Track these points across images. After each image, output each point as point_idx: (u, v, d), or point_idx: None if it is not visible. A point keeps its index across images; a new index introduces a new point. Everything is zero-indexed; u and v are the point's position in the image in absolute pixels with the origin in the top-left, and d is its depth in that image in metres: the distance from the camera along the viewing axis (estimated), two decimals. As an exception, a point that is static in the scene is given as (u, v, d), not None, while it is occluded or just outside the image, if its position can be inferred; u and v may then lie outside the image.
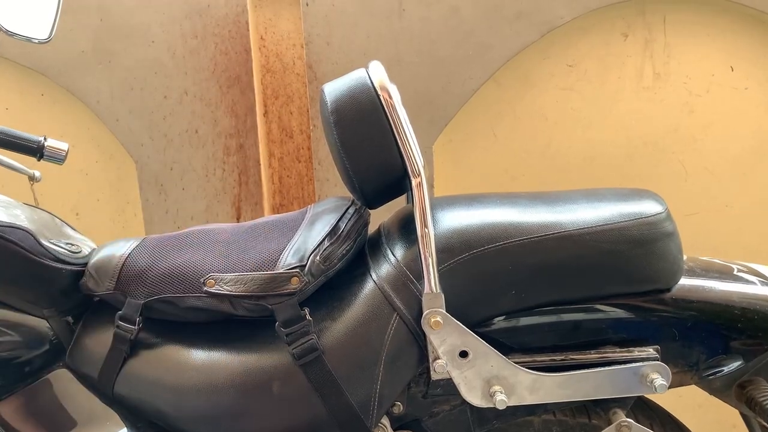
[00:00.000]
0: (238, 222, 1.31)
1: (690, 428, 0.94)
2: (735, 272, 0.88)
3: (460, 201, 0.85)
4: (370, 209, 0.87)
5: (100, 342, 0.81)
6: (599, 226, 0.78)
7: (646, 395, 0.84)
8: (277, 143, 1.55)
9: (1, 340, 0.79)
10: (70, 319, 0.83)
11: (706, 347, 0.82)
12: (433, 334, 0.76)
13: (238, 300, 0.75)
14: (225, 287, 0.75)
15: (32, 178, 1.04)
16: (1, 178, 1.06)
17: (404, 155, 0.77)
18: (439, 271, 0.75)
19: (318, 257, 0.77)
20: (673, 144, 1.59)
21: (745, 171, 1.61)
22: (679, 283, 0.82)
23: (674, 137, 1.58)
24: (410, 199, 0.85)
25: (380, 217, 0.95)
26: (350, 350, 0.76)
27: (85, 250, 0.86)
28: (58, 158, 1.01)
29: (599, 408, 0.83)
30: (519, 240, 0.77)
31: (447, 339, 0.76)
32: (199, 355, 0.78)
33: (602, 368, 0.78)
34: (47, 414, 0.81)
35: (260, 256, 0.78)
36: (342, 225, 0.82)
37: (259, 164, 1.53)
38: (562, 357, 0.79)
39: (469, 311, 0.78)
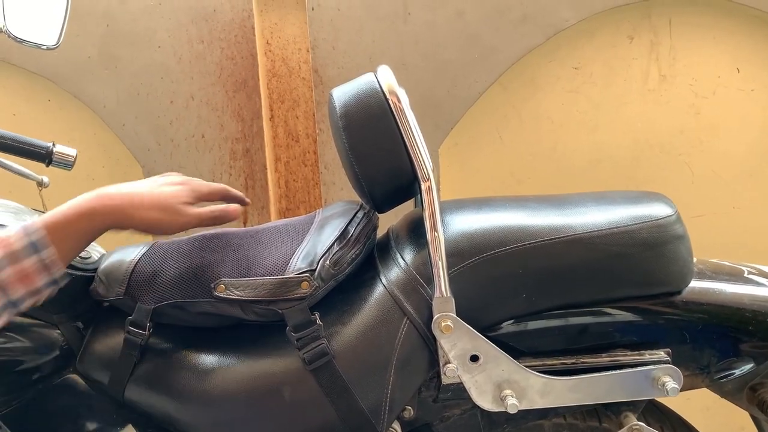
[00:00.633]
0: (245, 226, 1.31)
1: (699, 431, 0.93)
2: (745, 274, 0.87)
3: (468, 204, 0.85)
4: (380, 213, 0.87)
5: (110, 347, 0.81)
6: (609, 229, 0.78)
7: (656, 398, 0.84)
8: (283, 147, 1.56)
9: (12, 346, 0.79)
10: (80, 324, 0.83)
11: (717, 350, 0.82)
12: (443, 338, 0.75)
13: (248, 305, 0.75)
14: (235, 292, 0.75)
15: (41, 184, 1.05)
16: (9, 183, 1.07)
17: (413, 159, 0.77)
18: (449, 275, 0.75)
19: (328, 261, 0.77)
20: (679, 146, 1.59)
21: (752, 172, 1.60)
22: (689, 285, 0.82)
23: (680, 139, 1.58)
24: (419, 203, 0.85)
25: (388, 220, 0.95)
26: (361, 355, 0.75)
27: (95, 256, 0.86)
28: (67, 164, 1.01)
29: (610, 411, 0.83)
30: (529, 243, 0.77)
31: (457, 343, 0.76)
32: (210, 360, 0.78)
33: (613, 371, 0.78)
34: (58, 420, 0.81)
35: (270, 261, 0.78)
36: (351, 229, 0.82)
37: (266, 168, 1.53)
38: (573, 360, 0.79)
39: (479, 315, 0.77)
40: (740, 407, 0.86)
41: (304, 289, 0.74)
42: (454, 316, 0.75)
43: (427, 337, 0.76)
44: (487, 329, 0.78)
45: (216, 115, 1.51)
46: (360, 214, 0.85)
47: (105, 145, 1.54)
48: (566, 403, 0.78)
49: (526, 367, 0.77)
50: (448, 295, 0.75)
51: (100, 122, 1.51)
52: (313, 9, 1.45)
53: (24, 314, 0.80)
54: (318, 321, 0.75)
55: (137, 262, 0.81)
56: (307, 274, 0.75)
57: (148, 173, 1.52)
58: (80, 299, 0.82)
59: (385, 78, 0.80)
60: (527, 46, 1.49)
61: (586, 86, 1.55)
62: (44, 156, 0.99)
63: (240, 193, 0.87)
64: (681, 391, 0.79)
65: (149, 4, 1.45)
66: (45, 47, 1.01)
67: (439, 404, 0.82)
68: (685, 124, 1.57)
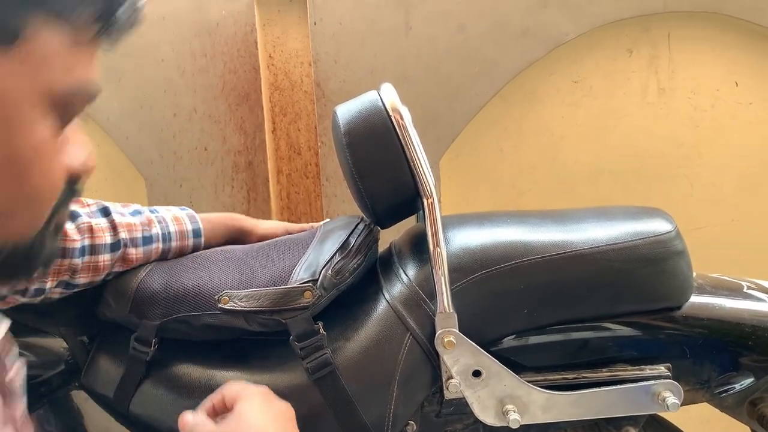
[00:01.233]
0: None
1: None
2: (745, 289, 0.88)
3: (470, 220, 0.86)
4: (382, 228, 0.88)
5: (115, 362, 0.81)
6: (610, 245, 0.79)
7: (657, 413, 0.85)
8: (285, 160, 1.57)
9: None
10: (85, 339, 0.84)
11: (717, 365, 0.83)
12: (446, 353, 0.76)
13: (252, 315, 0.76)
14: (239, 303, 0.76)
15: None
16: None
17: (416, 176, 0.78)
18: (451, 290, 0.76)
19: (330, 271, 0.78)
20: (679, 158, 1.60)
21: (752, 185, 1.61)
22: (689, 300, 0.83)
23: (680, 152, 1.59)
24: (421, 219, 0.86)
25: (391, 234, 0.96)
26: (364, 370, 0.76)
27: None
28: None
29: (611, 426, 0.84)
30: (531, 259, 0.78)
31: (460, 358, 0.76)
32: (214, 375, 0.78)
33: (614, 386, 0.78)
34: (63, 434, 0.82)
35: (273, 273, 0.79)
36: (352, 240, 0.83)
37: (268, 181, 1.54)
38: (575, 375, 0.80)
39: (481, 330, 0.78)
40: (740, 422, 0.87)
41: (307, 298, 0.75)
42: (457, 331, 0.76)
43: (430, 352, 0.77)
44: (489, 344, 0.79)
45: (219, 128, 1.52)
46: (361, 226, 0.86)
47: (108, 158, 1.55)
48: (568, 417, 0.78)
49: (528, 382, 0.77)
50: (451, 310, 0.76)
51: (104, 135, 1.52)
52: (315, 23, 1.47)
53: (31, 327, 0.82)
54: (321, 330, 0.75)
55: (142, 279, 0.82)
56: (310, 284, 0.76)
57: (150, 186, 1.53)
58: (87, 313, 0.83)
59: (389, 96, 0.81)
60: (527, 60, 1.50)
61: (586, 99, 1.56)
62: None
63: None
64: (681, 405, 0.79)
65: (153, 18, 1.46)
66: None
67: (442, 419, 0.83)
68: (685, 136, 1.58)
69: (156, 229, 0.86)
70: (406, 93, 1.49)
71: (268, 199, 1.55)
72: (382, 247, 0.92)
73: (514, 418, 0.76)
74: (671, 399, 0.77)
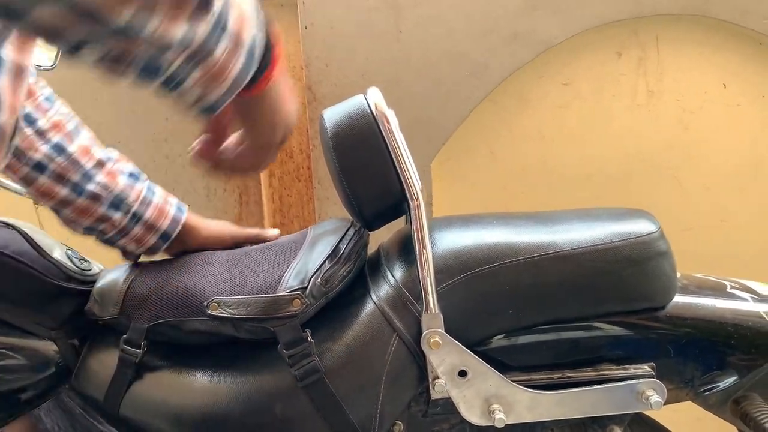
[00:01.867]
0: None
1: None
2: (728, 289, 0.89)
3: (457, 222, 0.87)
4: (370, 231, 0.89)
5: (105, 365, 0.82)
6: (593, 245, 0.80)
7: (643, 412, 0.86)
8: (277, 163, 1.58)
9: (8, 363, 0.81)
10: (75, 341, 0.85)
11: (700, 363, 0.84)
12: (432, 354, 0.77)
13: (240, 323, 0.76)
14: (228, 310, 0.76)
15: (37, 202, 1.06)
16: (6, 201, 1.08)
17: (402, 179, 0.79)
18: (437, 291, 0.77)
19: (319, 279, 0.78)
20: (668, 160, 1.61)
21: (741, 186, 1.63)
22: (673, 300, 0.84)
23: (669, 154, 1.60)
24: (409, 221, 0.87)
25: (380, 237, 0.97)
26: (352, 371, 0.77)
27: (95, 269, 0.89)
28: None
29: (596, 425, 0.85)
30: (515, 260, 0.79)
31: (446, 359, 0.77)
32: (203, 378, 0.79)
33: (599, 386, 0.79)
34: (53, 436, 0.82)
35: (262, 279, 0.79)
36: (342, 247, 0.84)
37: (260, 184, 1.55)
38: (560, 375, 0.80)
39: (467, 331, 0.79)
40: (725, 420, 0.88)
41: (296, 306, 0.76)
42: (443, 332, 0.77)
43: (417, 353, 0.78)
44: (475, 344, 0.80)
45: (211, 132, 1.53)
46: (351, 232, 0.87)
47: (101, 162, 1.56)
48: (553, 417, 0.79)
49: (514, 381, 0.78)
50: (437, 311, 0.76)
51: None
52: (306, 28, 1.48)
53: (21, 330, 0.82)
54: (309, 338, 0.76)
55: (131, 281, 0.82)
56: (299, 292, 0.76)
57: (143, 189, 1.53)
58: (77, 314, 0.84)
59: (375, 99, 0.82)
60: (517, 63, 1.51)
61: (576, 102, 1.57)
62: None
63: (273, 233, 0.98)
64: (666, 404, 0.80)
65: (145, 23, 1.47)
66: (42, 68, 1.03)
67: (429, 419, 0.83)
68: (674, 138, 1.60)
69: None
70: (397, 96, 1.50)
71: (260, 202, 1.56)
72: (371, 248, 0.93)
73: (500, 418, 0.77)
74: (654, 398, 0.78)
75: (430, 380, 0.78)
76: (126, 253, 0.91)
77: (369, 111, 0.80)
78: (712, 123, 1.59)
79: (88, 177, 0.85)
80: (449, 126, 1.54)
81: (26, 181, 0.85)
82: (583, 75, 1.57)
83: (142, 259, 0.92)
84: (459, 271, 0.79)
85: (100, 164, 0.87)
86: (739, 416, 0.84)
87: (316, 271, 0.79)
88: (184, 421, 0.78)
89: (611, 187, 1.61)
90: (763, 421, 0.80)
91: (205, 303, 0.78)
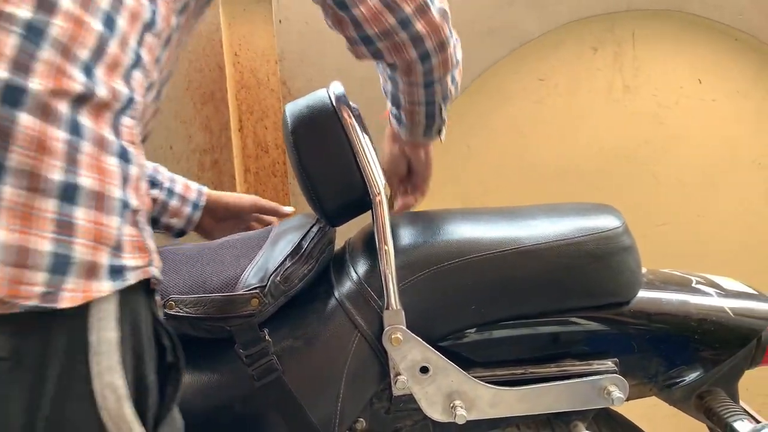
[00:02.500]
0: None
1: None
2: (693, 284, 0.89)
3: (422, 217, 0.87)
4: (333, 226, 0.88)
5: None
6: (557, 241, 0.79)
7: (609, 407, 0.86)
8: (252, 158, 1.56)
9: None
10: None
11: (664, 359, 0.84)
12: (393, 350, 0.76)
13: (197, 322, 0.75)
14: (185, 309, 0.75)
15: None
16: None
17: (364, 174, 0.78)
18: (400, 287, 0.76)
19: (278, 278, 0.77)
20: (644, 155, 1.61)
21: (716, 181, 1.63)
22: (637, 296, 0.84)
23: (645, 149, 1.61)
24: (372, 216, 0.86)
25: (351, 232, 0.96)
26: (311, 369, 0.76)
27: None
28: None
29: (560, 420, 0.84)
30: (478, 256, 0.78)
31: (407, 355, 0.77)
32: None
33: (561, 382, 0.79)
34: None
35: (222, 277, 0.78)
36: (305, 244, 0.82)
37: (234, 179, 1.54)
38: (522, 371, 0.80)
39: (429, 327, 0.79)
40: (689, 415, 0.88)
41: (254, 305, 0.74)
42: (404, 328, 0.76)
43: (378, 349, 0.77)
44: (438, 340, 0.80)
45: (184, 127, 1.51)
46: (315, 229, 0.85)
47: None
48: (515, 413, 0.79)
49: (476, 377, 0.78)
50: (398, 307, 0.76)
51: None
52: (280, 22, 1.47)
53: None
54: (267, 338, 0.75)
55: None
56: (257, 291, 0.75)
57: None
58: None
59: (337, 93, 0.81)
60: (493, 58, 1.51)
61: (552, 97, 1.57)
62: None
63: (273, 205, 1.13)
64: (629, 399, 0.81)
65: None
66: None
67: (392, 415, 0.83)
68: (650, 133, 1.60)
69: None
70: (373, 91, 1.48)
71: (235, 197, 1.55)
72: (339, 244, 0.92)
73: (461, 414, 0.76)
74: (616, 393, 0.78)
75: (391, 377, 0.78)
76: (169, 229, 1.05)
77: (330, 104, 0.79)
78: (688, 118, 1.59)
79: None
80: (425, 121, 1.53)
81: None
82: (559, 70, 1.56)
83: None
84: (421, 267, 0.78)
85: None
86: (702, 411, 0.84)
87: (276, 269, 0.77)
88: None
89: (587, 182, 1.60)
90: (726, 416, 0.81)
91: (163, 302, 0.76)
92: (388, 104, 0.96)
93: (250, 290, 0.75)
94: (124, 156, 0.53)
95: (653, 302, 0.84)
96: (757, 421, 0.80)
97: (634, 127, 1.59)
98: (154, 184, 1.02)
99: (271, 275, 0.77)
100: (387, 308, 0.76)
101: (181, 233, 1.07)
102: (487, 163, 1.60)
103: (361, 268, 0.81)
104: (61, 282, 0.47)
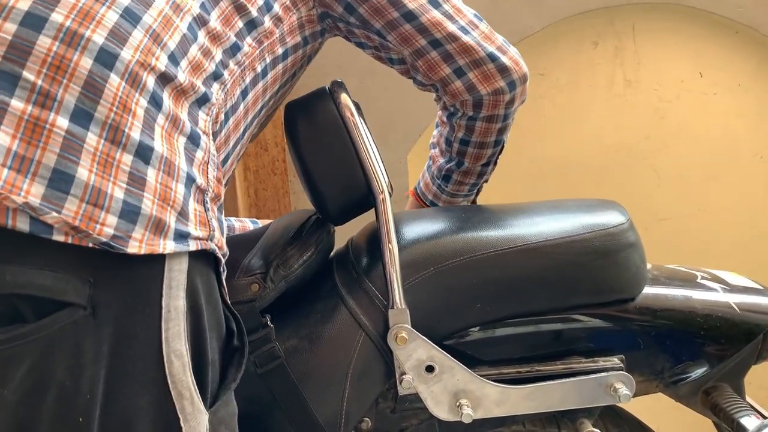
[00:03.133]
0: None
1: (668, 430, 0.94)
2: (698, 280, 0.89)
3: (425, 215, 0.86)
4: (336, 225, 0.88)
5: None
6: (562, 238, 0.79)
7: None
8: (252, 156, 1.56)
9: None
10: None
11: (670, 355, 0.83)
12: (398, 349, 0.76)
13: None
14: None
15: None
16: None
17: (367, 172, 0.78)
18: (404, 286, 0.76)
19: (278, 262, 0.77)
20: (645, 150, 1.61)
21: (717, 175, 1.63)
22: (643, 292, 0.83)
23: (646, 143, 1.60)
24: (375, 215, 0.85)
25: (351, 230, 0.95)
26: (317, 368, 0.76)
27: None
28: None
29: (567, 418, 0.84)
30: (482, 254, 0.78)
31: (413, 354, 0.76)
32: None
33: (568, 379, 0.78)
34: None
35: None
36: (302, 232, 0.82)
37: (235, 178, 1.53)
38: (528, 369, 0.80)
39: (434, 325, 0.78)
40: (695, 411, 0.87)
41: (254, 291, 0.74)
42: (409, 327, 0.75)
43: (383, 348, 0.77)
44: (443, 339, 0.79)
45: (183, 125, 1.50)
46: (313, 218, 0.85)
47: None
48: (521, 411, 0.78)
49: (482, 376, 0.77)
50: (403, 306, 0.75)
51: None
52: (279, 18, 1.45)
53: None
54: (269, 323, 0.74)
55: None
56: (257, 276, 0.75)
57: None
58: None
59: (339, 91, 0.80)
60: (493, 53, 1.50)
61: (552, 92, 1.56)
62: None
63: None
64: (636, 396, 0.80)
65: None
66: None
67: (397, 415, 0.82)
68: (651, 128, 1.59)
69: None
70: (374, 88, 1.48)
71: (235, 196, 1.54)
72: (341, 242, 0.92)
73: (467, 413, 0.76)
74: (623, 390, 0.77)
75: (397, 376, 0.77)
76: None
77: (332, 103, 0.79)
78: (689, 112, 1.59)
79: None
80: (426, 117, 1.52)
81: None
82: (559, 65, 1.56)
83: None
84: (425, 265, 0.77)
85: None
86: (709, 407, 0.84)
87: (275, 255, 0.77)
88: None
89: (588, 177, 1.60)
90: (733, 412, 0.80)
91: None
92: (424, 177, 1.01)
93: (249, 275, 0.74)
94: (193, 139, 0.58)
95: (659, 298, 0.83)
96: (764, 417, 0.80)
97: (635, 122, 1.59)
98: None
99: (270, 261, 0.76)
100: (392, 307, 0.75)
101: None
102: (488, 159, 1.59)
103: (365, 267, 0.80)
104: (129, 229, 0.51)
